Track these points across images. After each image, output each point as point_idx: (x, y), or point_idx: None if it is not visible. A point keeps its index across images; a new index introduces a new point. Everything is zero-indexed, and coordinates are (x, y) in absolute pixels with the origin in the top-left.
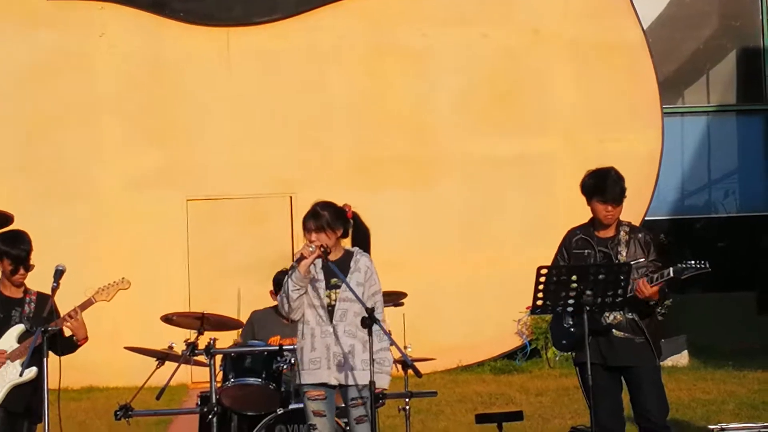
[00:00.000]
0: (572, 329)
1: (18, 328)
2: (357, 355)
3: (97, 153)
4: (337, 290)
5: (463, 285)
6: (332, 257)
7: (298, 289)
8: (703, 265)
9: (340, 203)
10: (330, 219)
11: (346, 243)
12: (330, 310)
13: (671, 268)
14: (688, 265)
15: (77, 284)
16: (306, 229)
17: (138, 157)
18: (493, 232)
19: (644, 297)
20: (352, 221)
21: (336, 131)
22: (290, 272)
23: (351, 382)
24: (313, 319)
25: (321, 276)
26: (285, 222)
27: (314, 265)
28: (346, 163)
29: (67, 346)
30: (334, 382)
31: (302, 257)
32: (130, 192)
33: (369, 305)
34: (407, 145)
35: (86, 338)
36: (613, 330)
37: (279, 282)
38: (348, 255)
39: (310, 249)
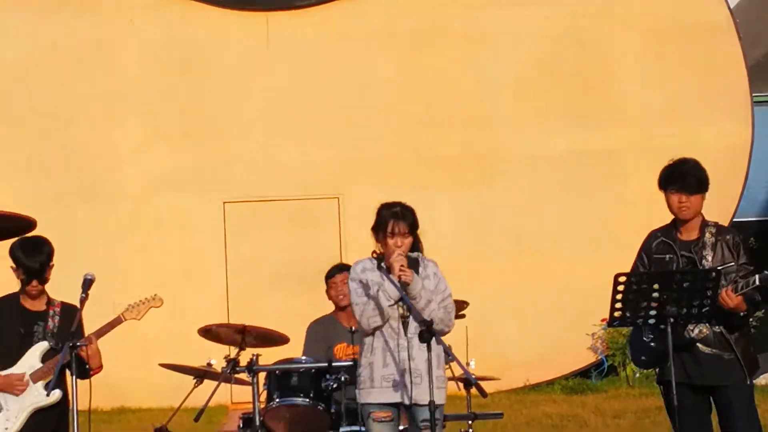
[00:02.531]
0: (652, 344)
1: (41, 346)
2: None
3: (125, 150)
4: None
5: (525, 295)
6: None
7: (393, 305)
8: None
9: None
10: (416, 222)
11: None
12: (404, 322)
13: (757, 276)
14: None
15: (104, 295)
16: (392, 233)
17: (169, 156)
18: (557, 236)
19: (729, 308)
20: None
21: (384, 126)
22: (381, 285)
23: (422, 401)
24: (386, 332)
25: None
26: (332, 226)
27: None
28: (395, 160)
29: (79, 371)
30: (407, 402)
31: (394, 267)
32: (162, 194)
33: (439, 313)
34: (460, 141)
35: (100, 367)
36: (699, 345)
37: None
38: (414, 262)
39: (400, 257)
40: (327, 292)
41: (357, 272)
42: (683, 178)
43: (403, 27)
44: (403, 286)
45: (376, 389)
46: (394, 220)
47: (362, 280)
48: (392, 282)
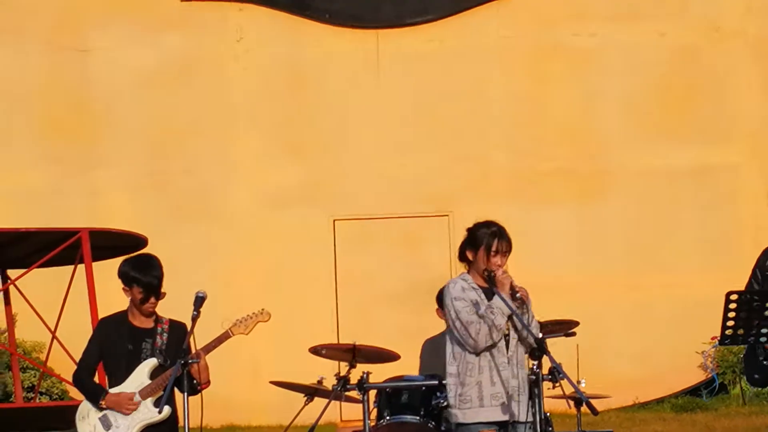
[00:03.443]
0: (765, 362)
1: (150, 363)
2: (528, 388)
3: (233, 167)
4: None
5: (636, 312)
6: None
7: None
8: None
9: (500, 221)
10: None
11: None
12: (506, 339)
13: None
14: None
15: (211, 312)
16: (497, 251)
17: (277, 172)
18: (668, 253)
19: None
20: None
21: (495, 142)
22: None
23: (523, 418)
24: (493, 350)
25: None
26: (443, 244)
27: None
28: (506, 177)
29: (189, 387)
30: (510, 419)
31: (504, 284)
32: (270, 211)
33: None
34: (572, 156)
35: (208, 383)
36: None
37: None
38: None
39: (508, 275)
40: (437, 311)
41: (459, 291)
42: None
43: (515, 43)
44: (520, 303)
45: (485, 408)
46: (498, 239)
47: (469, 299)
48: (503, 299)
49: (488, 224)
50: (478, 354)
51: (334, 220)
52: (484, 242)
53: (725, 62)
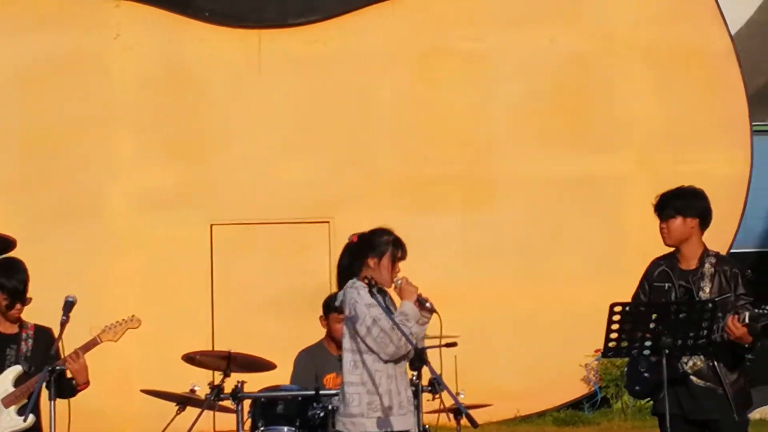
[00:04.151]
0: (647, 374)
1: (15, 370)
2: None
3: (109, 168)
4: None
5: (521, 323)
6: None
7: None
8: None
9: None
10: None
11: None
12: None
13: (747, 313)
14: (766, 311)
15: (84, 317)
16: (399, 258)
17: (156, 174)
18: (555, 263)
19: (735, 338)
20: None
21: (379, 147)
22: (400, 310)
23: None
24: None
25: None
26: (323, 251)
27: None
28: (391, 183)
29: (65, 389)
30: (392, 429)
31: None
32: (147, 213)
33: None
34: (459, 162)
35: (87, 383)
36: (692, 378)
37: (323, 306)
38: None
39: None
40: (327, 322)
41: (370, 298)
42: (660, 204)
43: (402, 47)
44: (428, 313)
45: (395, 417)
46: (401, 247)
47: (383, 306)
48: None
49: (386, 231)
50: (387, 362)
51: (211, 225)
52: (388, 250)
53: (616, 70)
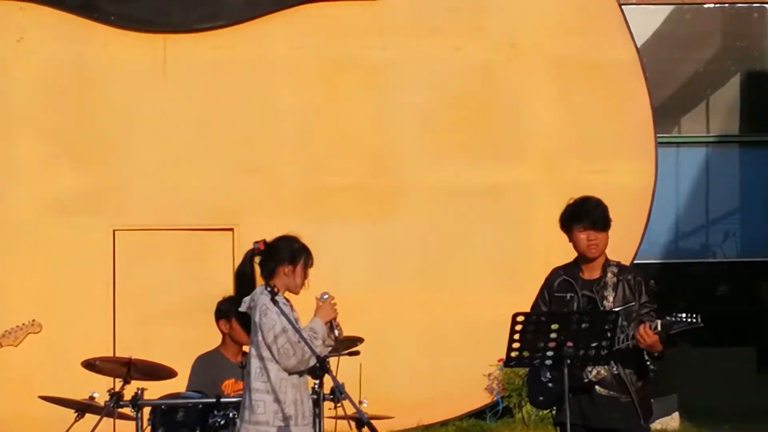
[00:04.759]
0: (550, 384)
1: None
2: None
3: (9, 171)
4: None
5: (425, 332)
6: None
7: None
8: (694, 320)
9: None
10: None
11: None
12: None
13: (659, 321)
14: (678, 319)
15: None
16: (309, 266)
17: (57, 179)
18: (460, 272)
19: (645, 346)
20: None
21: (284, 155)
22: (313, 325)
23: None
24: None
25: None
26: (227, 258)
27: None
28: (296, 191)
29: None
30: None
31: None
32: (47, 218)
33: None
34: (364, 171)
35: None
36: (596, 387)
37: (225, 311)
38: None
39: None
40: (225, 328)
41: (280, 306)
42: (591, 215)
43: (307, 54)
44: (334, 339)
45: (299, 426)
46: (310, 254)
47: (291, 317)
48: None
49: (294, 239)
50: (291, 373)
51: (114, 230)
52: (302, 258)
53: (521, 79)
